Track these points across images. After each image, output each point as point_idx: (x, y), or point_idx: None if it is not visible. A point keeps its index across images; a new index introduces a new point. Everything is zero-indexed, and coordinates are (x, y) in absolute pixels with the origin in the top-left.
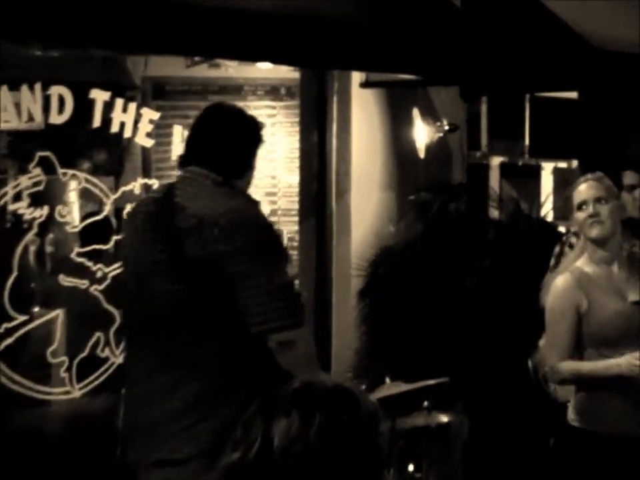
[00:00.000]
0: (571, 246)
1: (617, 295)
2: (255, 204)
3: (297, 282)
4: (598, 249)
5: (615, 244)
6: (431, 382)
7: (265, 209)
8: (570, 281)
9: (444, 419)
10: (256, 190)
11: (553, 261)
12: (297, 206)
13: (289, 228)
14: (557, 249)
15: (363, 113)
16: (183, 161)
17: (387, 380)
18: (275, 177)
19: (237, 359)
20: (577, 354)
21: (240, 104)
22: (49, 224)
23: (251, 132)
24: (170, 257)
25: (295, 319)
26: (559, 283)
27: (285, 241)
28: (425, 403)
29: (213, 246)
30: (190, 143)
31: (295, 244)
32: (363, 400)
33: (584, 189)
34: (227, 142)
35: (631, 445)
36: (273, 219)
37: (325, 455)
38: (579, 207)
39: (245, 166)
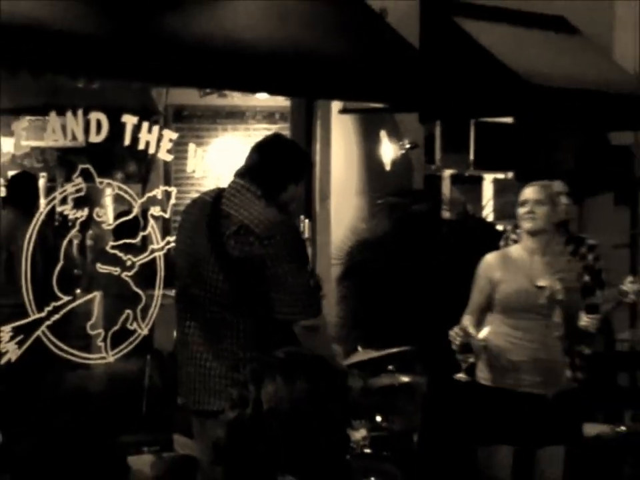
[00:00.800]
0: (514, 240)
1: (527, 277)
2: (285, 215)
3: (318, 274)
4: (529, 239)
5: (544, 239)
6: (396, 350)
7: None
8: (494, 257)
9: (406, 379)
10: None
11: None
12: None
13: None
14: (502, 243)
15: (341, 134)
16: (238, 172)
17: (360, 348)
18: None
19: (264, 337)
20: (482, 316)
21: (242, 126)
22: (88, 222)
23: (291, 160)
24: (216, 254)
25: (313, 309)
26: (485, 258)
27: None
28: (391, 367)
29: (249, 249)
30: (247, 159)
31: None
32: (335, 367)
33: (528, 191)
34: (269, 164)
35: (522, 397)
36: None
37: (305, 413)
38: (521, 205)
39: (282, 184)
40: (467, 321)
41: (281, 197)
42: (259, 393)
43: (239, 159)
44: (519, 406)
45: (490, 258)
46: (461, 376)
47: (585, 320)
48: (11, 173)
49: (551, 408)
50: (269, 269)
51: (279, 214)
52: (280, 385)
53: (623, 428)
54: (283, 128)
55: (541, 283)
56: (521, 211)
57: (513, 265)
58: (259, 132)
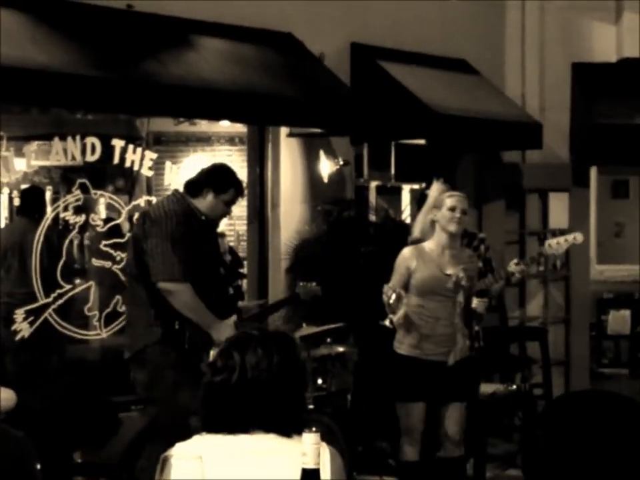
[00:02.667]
0: (412, 242)
1: (438, 266)
2: (175, 204)
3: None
4: (445, 237)
5: (454, 237)
6: (332, 326)
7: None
8: (410, 250)
9: (341, 349)
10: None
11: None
12: (245, 214)
13: (241, 228)
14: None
15: (288, 153)
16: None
17: (304, 325)
18: None
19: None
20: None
21: (209, 148)
22: (85, 226)
23: (210, 174)
24: (133, 237)
25: (166, 274)
26: (403, 251)
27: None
28: (328, 339)
29: (141, 229)
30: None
31: (245, 239)
32: (296, 343)
33: (456, 200)
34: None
35: (429, 365)
36: (230, 222)
37: (279, 380)
38: (451, 210)
39: (198, 191)
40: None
41: (204, 198)
42: (243, 361)
43: None
44: (428, 371)
45: (407, 251)
46: (385, 323)
47: (475, 302)
48: (23, 187)
49: (453, 372)
50: (146, 242)
51: (171, 208)
52: (260, 355)
53: (514, 387)
54: (241, 149)
55: (449, 271)
56: (449, 215)
57: (427, 256)
58: (223, 152)
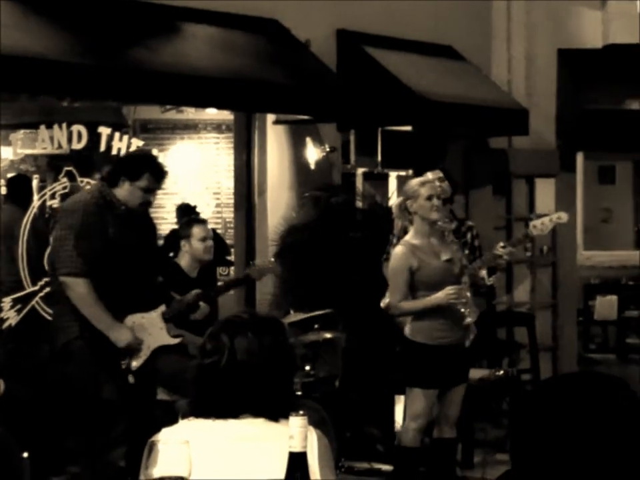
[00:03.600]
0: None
1: (435, 256)
2: (88, 195)
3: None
4: (426, 226)
5: (433, 224)
6: (321, 312)
7: (212, 203)
8: (403, 249)
9: (329, 335)
10: (206, 191)
11: (394, 240)
12: (232, 201)
13: (228, 215)
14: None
15: (275, 140)
16: None
17: (292, 311)
18: (219, 182)
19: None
20: (411, 296)
21: (196, 136)
22: None
23: (123, 165)
24: None
25: (65, 269)
26: (396, 251)
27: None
28: (316, 325)
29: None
30: None
31: (232, 226)
32: (285, 328)
33: (431, 187)
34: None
35: (448, 351)
36: (217, 210)
37: (269, 364)
38: (428, 199)
39: (115, 180)
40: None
41: (121, 187)
42: (232, 344)
43: (193, 162)
44: (445, 357)
45: (402, 252)
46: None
47: (491, 279)
48: (9, 175)
49: (464, 354)
50: (53, 235)
51: (81, 200)
52: (250, 339)
53: (501, 372)
54: (228, 137)
55: (446, 256)
56: (427, 205)
57: (420, 250)
58: (210, 140)
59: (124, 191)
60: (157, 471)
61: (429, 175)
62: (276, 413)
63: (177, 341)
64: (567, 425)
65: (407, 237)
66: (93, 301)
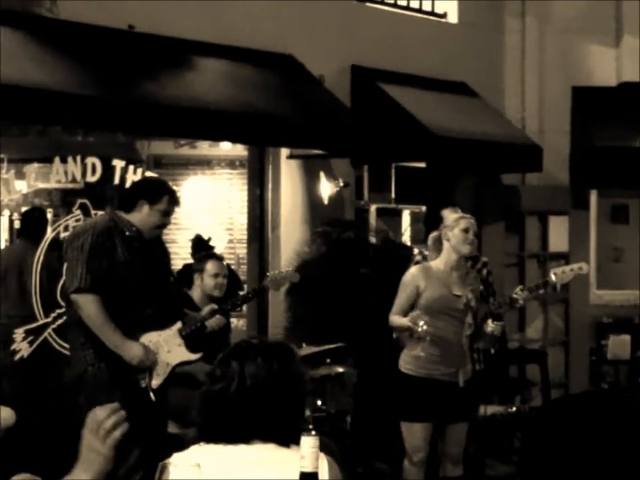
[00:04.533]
0: (417, 262)
1: (446, 286)
2: (97, 220)
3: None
4: (454, 258)
5: (462, 259)
6: (332, 346)
7: (225, 238)
8: (417, 269)
9: (340, 369)
10: (219, 226)
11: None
12: (246, 236)
13: (241, 251)
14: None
15: (288, 175)
16: None
17: (304, 345)
18: (231, 218)
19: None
20: (405, 316)
21: (209, 172)
22: None
23: (142, 189)
24: None
25: (73, 288)
26: (412, 268)
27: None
28: (328, 360)
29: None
30: None
31: (245, 261)
32: (296, 353)
33: (469, 222)
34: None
35: (439, 384)
36: (230, 245)
37: (278, 390)
38: (464, 231)
39: (133, 204)
40: (398, 318)
41: (137, 212)
42: (242, 370)
43: (206, 198)
44: (436, 391)
45: (415, 270)
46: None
47: (491, 326)
48: (24, 209)
49: (460, 392)
50: (65, 257)
51: (90, 223)
52: (260, 365)
53: (513, 408)
54: (241, 172)
55: (457, 292)
56: (462, 236)
57: (434, 276)
58: (223, 176)
59: (142, 215)
60: None
61: (446, 212)
62: (286, 438)
63: (197, 356)
64: (577, 448)
65: (431, 262)
66: (103, 319)
